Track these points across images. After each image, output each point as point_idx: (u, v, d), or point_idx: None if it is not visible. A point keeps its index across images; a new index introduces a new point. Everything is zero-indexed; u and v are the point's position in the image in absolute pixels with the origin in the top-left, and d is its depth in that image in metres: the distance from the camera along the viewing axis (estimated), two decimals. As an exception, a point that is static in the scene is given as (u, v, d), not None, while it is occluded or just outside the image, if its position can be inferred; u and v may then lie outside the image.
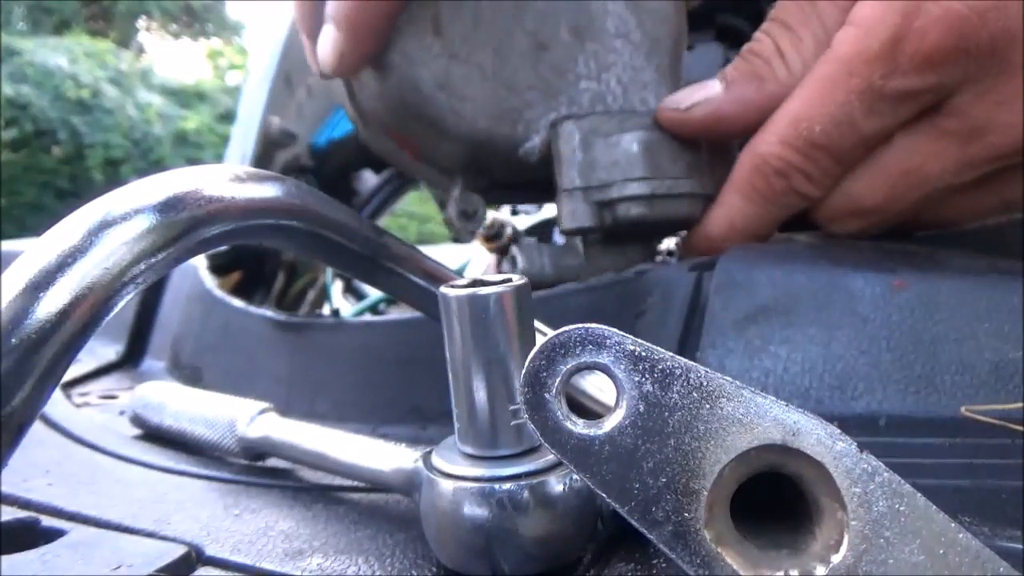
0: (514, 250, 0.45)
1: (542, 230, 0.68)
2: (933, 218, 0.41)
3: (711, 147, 0.43)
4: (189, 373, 0.57)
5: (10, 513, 0.29)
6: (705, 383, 0.18)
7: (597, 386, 0.31)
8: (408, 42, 0.43)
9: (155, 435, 0.41)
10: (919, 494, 0.17)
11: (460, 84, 0.43)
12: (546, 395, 0.18)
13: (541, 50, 0.44)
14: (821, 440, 0.17)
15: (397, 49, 0.43)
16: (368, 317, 0.57)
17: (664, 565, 0.24)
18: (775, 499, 0.19)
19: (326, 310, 0.80)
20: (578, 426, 0.18)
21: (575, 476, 0.23)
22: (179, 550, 0.26)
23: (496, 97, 0.44)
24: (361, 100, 0.51)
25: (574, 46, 0.44)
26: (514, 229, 0.63)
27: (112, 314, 0.20)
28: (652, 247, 0.47)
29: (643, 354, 0.18)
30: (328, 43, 0.43)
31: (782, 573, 0.17)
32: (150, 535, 0.28)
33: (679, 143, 0.41)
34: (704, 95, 0.40)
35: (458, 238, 0.53)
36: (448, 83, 0.43)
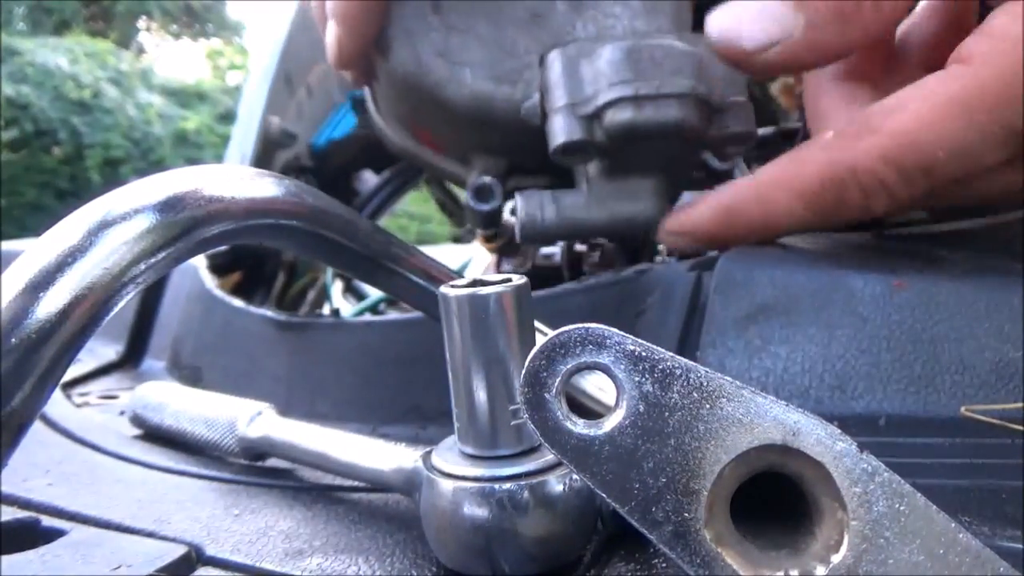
0: (516, 198, 0.44)
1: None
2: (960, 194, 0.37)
3: (706, 55, 0.40)
4: (189, 373, 0.57)
5: (10, 513, 0.29)
6: (705, 383, 0.18)
7: (597, 386, 0.31)
8: (408, 21, 0.44)
9: (155, 435, 0.41)
10: (919, 494, 0.17)
11: (458, 51, 0.44)
12: (546, 395, 0.18)
13: (538, 18, 0.45)
14: (821, 440, 0.17)
15: (397, 28, 0.44)
16: (368, 317, 0.57)
17: (664, 565, 0.24)
18: (775, 499, 0.19)
19: (326, 310, 0.80)
20: (578, 426, 0.18)
21: (575, 476, 0.23)
22: (179, 550, 0.26)
23: (494, 60, 0.44)
24: (380, 100, 0.52)
25: (571, 14, 0.45)
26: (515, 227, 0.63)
27: (112, 314, 0.20)
28: (661, 189, 0.44)
29: (643, 354, 0.18)
30: (329, 36, 0.45)
31: (782, 573, 0.17)
32: (150, 535, 0.28)
33: (665, 48, 0.40)
34: (778, 35, 0.34)
35: (469, 228, 0.53)
36: (447, 51, 0.44)
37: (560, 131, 0.41)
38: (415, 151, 0.53)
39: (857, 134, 0.33)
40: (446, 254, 0.59)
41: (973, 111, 0.31)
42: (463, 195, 0.63)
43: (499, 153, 0.48)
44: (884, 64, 0.41)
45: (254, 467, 0.37)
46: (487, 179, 0.47)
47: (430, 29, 0.44)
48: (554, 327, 0.20)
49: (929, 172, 0.32)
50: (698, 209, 0.39)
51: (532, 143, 0.43)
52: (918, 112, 0.32)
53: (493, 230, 0.58)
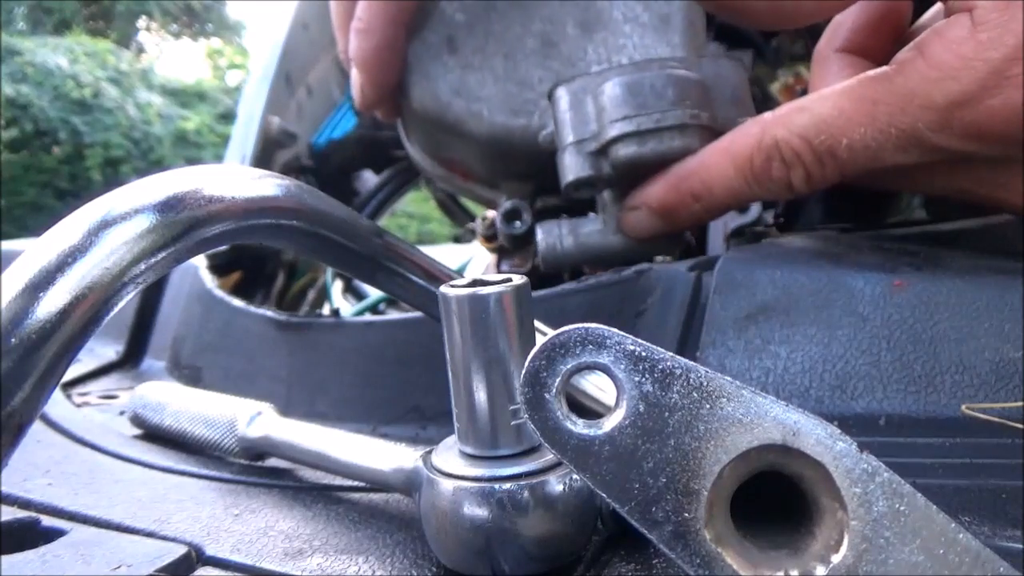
0: (536, 230, 0.46)
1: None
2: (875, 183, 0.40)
3: (711, 78, 0.42)
4: (189, 373, 0.57)
5: (10, 513, 0.29)
6: (705, 383, 0.18)
7: (597, 386, 0.31)
8: (426, 64, 0.47)
9: (155, 435, 0.41)
10: (919, 494, 0.17)
11: (475, 88, 0.46)
12: (546, 395, 0.18)
13: (550, 47, 0.46)
14: (821, 440, 0.17)
15: (417, 72, 0.47)
16: (368, 317, 0.57)
17: (664, 565, 0.24)
18: (775, 499, 0.19)
19: (326, 310, 0.80)
20: (578, 426, 0.18)
21: (575, 476, 0.23)
22: (179, 550, 0.26)
23: (508, 94, 0.46)
24: (409, 133, 0.55)
25: (582, 38, 0.46)
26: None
27: (112, 314, 0.20)
28: None
29: (643, 354, 0.18)
30: (353, 82, 0.49)
31: (782, 573, 0.17)
32: (150, 535, 0.28)
33: (665, 78, 0.40)
34: None
35: (470, 228, 0.55)
36: (463, 89, 0.46)
37: (569, 169, 0.42)
38: (447, 178, 0.55)
39: (791, 112, 0.37)
40: (446, 254, 0.60)
41: (877, 112, 0.34)
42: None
43: (524, 178, 0.50)
44: (890, 42, 0.42)
45: (254, 467, 0.37)
46: (515, 202, 0.49)
47: (447, 70, 0.46)
48: (554, 327, 0.20)
49: (835, 157, 0.36)
50: (654, 181, 0.41)
51: (554, 166, 0.44)
52: (838, 101, 0.35)
53: (524, 249, 0.59)
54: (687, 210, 0.40)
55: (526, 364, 0.19)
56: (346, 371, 0.47)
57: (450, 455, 0.25)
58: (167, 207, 0.21)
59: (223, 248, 0.35)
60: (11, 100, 9.89)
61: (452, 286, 0.23)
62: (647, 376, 0.18)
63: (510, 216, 0.49)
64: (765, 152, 0.37)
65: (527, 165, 0.47)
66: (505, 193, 0.51)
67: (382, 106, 0.51)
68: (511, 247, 0.54)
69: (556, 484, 0.23)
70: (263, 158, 0.70)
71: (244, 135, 0.71)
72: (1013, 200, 0.36)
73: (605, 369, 0.18)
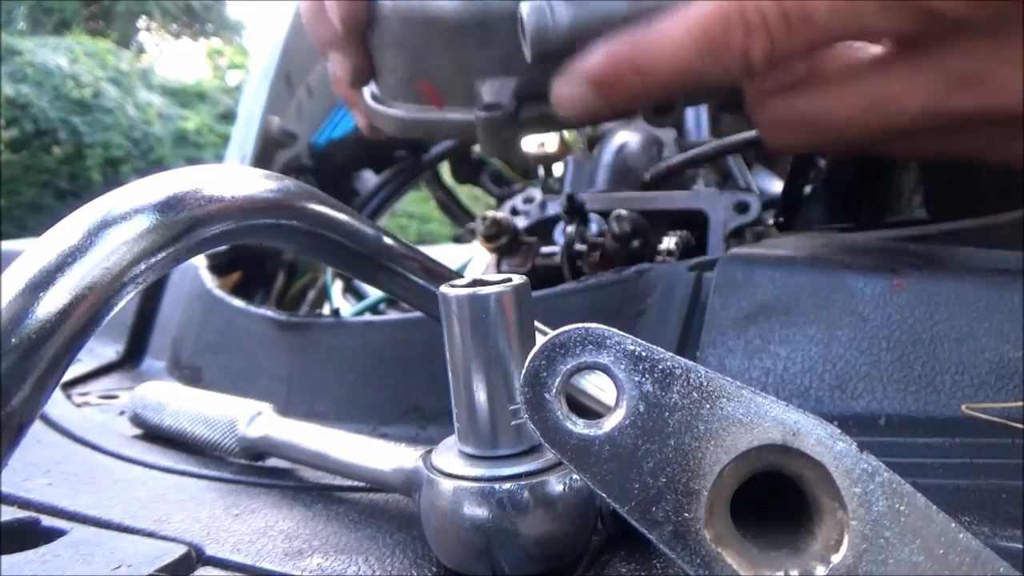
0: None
1: (540, 229, 0.68)
2: (886, 150, 0.38)
3: None
4: (189, 373, 0.57)
5: (10, 513, 0.29)
6: (705, 383, 0.18)
7: (597, 386, 0.31)
8: None
9: (155, 435, 0.41)
10: (919, 494, 0.17)
11: None
12: (546, 395, 0.18)
13: None
14: (821, 440, 0.17)
15: None
16: (368, 317, 0.57)
17: (664, 565, 0.24)
18: (775, 499, 0.19)
19: (326, 310, 0.80)
20: (578, 426, 0.18)
21: (575, 476, 0.23)
22: (179, 550, 0.26)
23: None
24: (380, 84, 0.52)
25: None
26: (515, 228, 0.63)
27: (112, 314, 0.20)
28: None
29: (643, 354, 0.18)
30: (328, 6, 0.47)
31: (782, 573, 0.17)
32: (150, 535, 0.28)
33: None
34: None
35: (470, 228, 0.52)
36: None
37: None
38: (422, 116, 0.51)
39: None
40: (446, 254, 0.59)
41: None
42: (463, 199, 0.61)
43: (504, 72, 0.45)
44: None
45: (254, 467, 0.37)
46: (502, 94, 0.45)
47: None
48: (554, 327, 0.20)
49: (809, 22, 0.32)
50: (594, 49, 0.37)
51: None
52: None
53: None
54: (625, 86, 0.36)
55: (526, 364, 0.19)
56: (346, 371, 0.47)
57: (450, 455, 0.25)
58: (167, 207, 0.21)
59: (223, 248, 0.35)
60: (11, 100, 9.90)
61: (452, 286, 0.23)
62: (647, 376, 0.18)
63: (491, 108, 0.45)
64: (726, 15, 0.33)
65: (506, 52, 0.44)
66: (486, 97, 0.46)
67: (361, 25, 0.47)
68: (492, 148, 0.49)
69: (556, 484, 0.23)
70: (263, 158, 0.70)
71: (244, 135, 0.71)
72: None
73: (605, 369, 0.18)
